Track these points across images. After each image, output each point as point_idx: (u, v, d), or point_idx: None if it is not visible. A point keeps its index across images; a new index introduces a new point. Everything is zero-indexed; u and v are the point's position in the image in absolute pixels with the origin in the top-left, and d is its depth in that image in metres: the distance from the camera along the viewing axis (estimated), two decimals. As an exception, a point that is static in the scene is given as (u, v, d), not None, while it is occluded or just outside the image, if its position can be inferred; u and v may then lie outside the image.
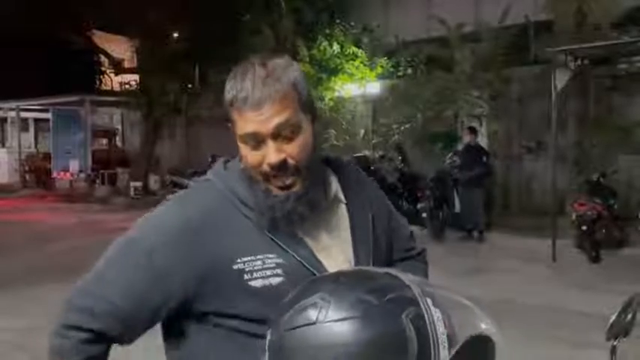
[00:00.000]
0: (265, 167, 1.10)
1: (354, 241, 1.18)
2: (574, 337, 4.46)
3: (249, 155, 1.11)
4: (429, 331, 0.83)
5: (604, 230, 7.32)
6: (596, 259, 7.05)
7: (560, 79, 7.82)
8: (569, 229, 7.66)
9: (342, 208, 1.21)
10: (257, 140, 1.09)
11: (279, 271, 1.09)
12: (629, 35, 7.55)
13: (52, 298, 6.34)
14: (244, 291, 1.07)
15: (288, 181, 1.11)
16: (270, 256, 1.09)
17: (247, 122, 1.08)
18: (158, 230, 1.11)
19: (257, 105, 1.07)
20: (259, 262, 1.09)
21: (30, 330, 4.84)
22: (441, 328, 0.84)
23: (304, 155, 1.11)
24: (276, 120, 1.07)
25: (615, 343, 1.25)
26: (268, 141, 1.09)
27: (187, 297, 1.08)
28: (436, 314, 0.85)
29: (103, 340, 1.08)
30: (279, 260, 1.09)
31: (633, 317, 1.26)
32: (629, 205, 8.11)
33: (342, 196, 1.22)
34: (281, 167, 1.09)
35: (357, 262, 1.16)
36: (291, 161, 1.10)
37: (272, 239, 1.11)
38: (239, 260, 1.09)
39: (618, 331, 1.25)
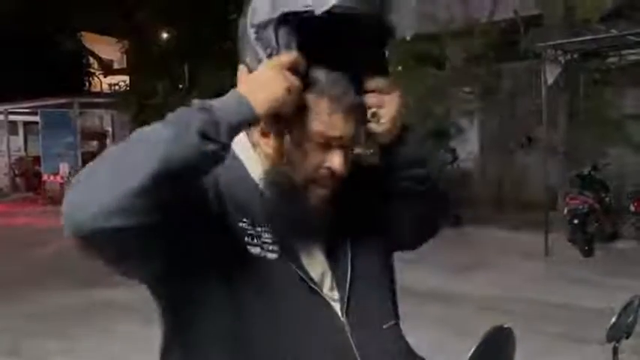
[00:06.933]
0: (324, 172, 1.00)
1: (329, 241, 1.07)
2: (567, 331, 4.47)
3: (308, 154, 0.99)
4: None
5: (596, 224, 7.33)
6: (588, 253, 7.07)
7: (551, 74, 7.83)
8: (562, 224, 7.68)
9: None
10: (327, 143, 0.99)
11: (275, 247, 0.99)
12: (618, 29, 7.57)
13: (43, 302, 6.28)
14: (241, 255, 0.97)
15: (331, 193, 1.02)
16: (269, 231, 1.00)
17: (335, 124, 0.99)
18: None
19: (347, 111, 1.00)
20: (260, 229, 1.00)
21: (20, 335, 4.79)
22: None
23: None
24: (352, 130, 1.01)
25: (617, 345, 1.24)
26: (338, 147, 1.00)
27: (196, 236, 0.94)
28: None
29: None
30: (276, 238, 1.00)
31: (634, 319, 1.25)
32: (621, 198, 8.13)
33: None
34: (339, 178, 1.01)
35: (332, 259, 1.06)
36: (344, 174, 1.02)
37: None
38: (245, 219, 0.99)
39: (619, 332, 1.24)
